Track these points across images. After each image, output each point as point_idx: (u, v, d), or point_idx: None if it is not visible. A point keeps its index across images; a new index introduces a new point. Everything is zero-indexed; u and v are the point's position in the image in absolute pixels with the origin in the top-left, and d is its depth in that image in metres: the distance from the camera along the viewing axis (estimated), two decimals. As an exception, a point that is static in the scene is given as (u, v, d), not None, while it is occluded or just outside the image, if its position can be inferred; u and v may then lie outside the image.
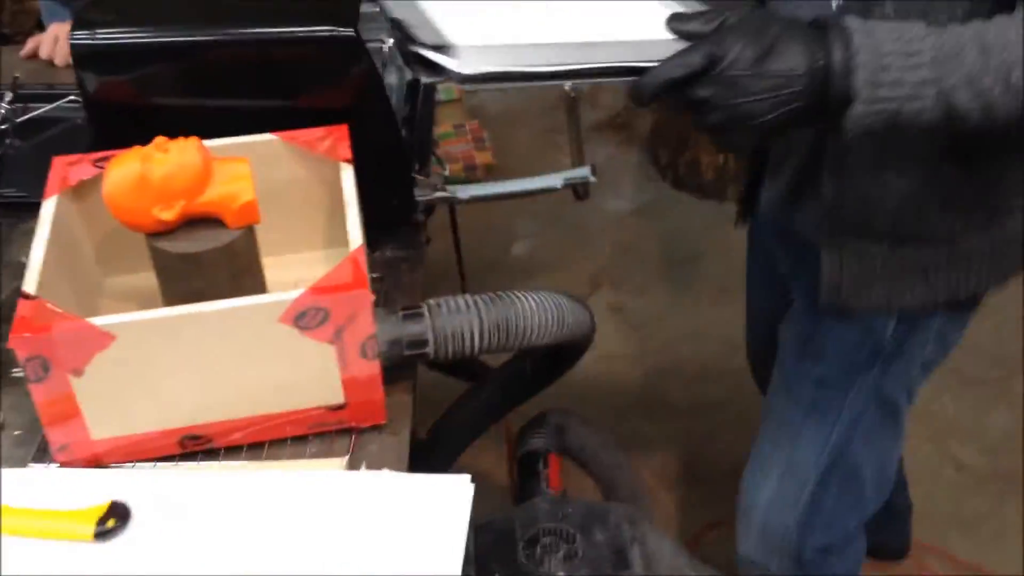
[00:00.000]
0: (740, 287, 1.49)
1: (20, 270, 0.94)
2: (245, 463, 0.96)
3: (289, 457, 0.96)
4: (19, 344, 0.86)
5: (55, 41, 1.53)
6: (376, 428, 0.99)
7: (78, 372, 0.88)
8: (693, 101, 0.83)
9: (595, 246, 2.63)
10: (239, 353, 0.91)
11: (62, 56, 1.53)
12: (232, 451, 0.97)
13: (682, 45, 0.84)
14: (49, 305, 0.88)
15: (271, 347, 0.91)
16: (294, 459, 0.96)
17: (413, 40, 0.83)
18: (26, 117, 1.40)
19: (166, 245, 0.95)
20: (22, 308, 0.88)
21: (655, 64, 0.83)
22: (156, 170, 0.92)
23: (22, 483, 0.90)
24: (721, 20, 0.85)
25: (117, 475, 0.92)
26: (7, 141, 1.36)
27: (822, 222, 1.08)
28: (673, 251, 2.61)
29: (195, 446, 0.96)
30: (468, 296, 1.06)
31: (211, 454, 0.97)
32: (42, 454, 0.96)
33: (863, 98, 0.82)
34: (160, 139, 0.94)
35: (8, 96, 1.39)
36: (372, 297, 0.91)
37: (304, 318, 0.90)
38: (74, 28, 1.07)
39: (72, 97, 1.42)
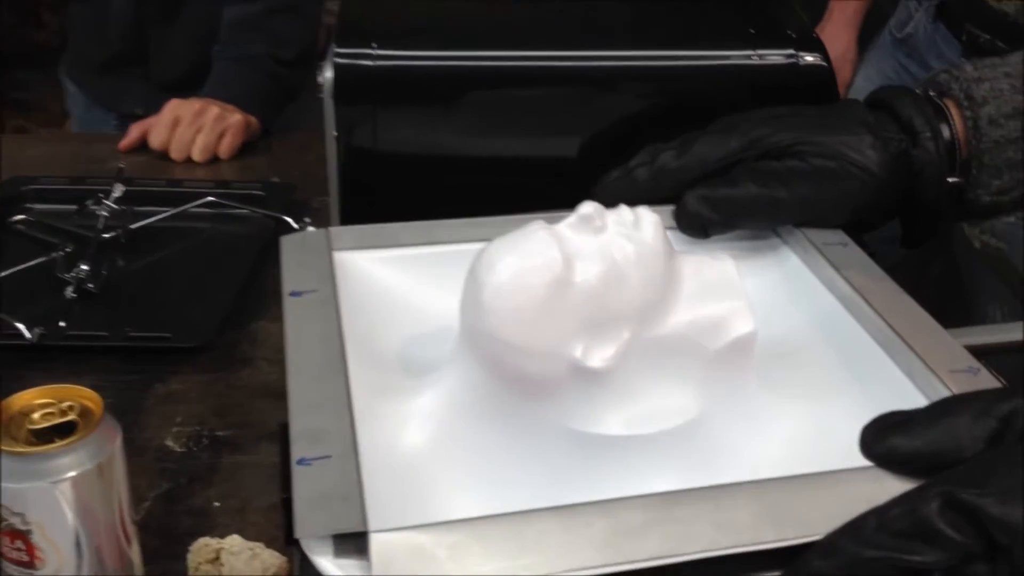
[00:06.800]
0: None
1: (161, 461, 0.67)
2: None
3: None
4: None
5: (173, 125, 1.06)
6: None
7: None
8: None
9: None
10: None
11: (181, 146, 1.06)
12: None
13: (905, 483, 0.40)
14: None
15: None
16: None
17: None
18: (139, 225, 0.92)
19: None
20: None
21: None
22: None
23: None
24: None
25: None
26: (115, 260, 0.87)
27: None
28: None
29: None
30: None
31: None
32: None
33: None
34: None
35: (117, 192, 0.91)
36: None
37: None
38: (338, 40, 0.62)
39: (211, 199, 0.95)
